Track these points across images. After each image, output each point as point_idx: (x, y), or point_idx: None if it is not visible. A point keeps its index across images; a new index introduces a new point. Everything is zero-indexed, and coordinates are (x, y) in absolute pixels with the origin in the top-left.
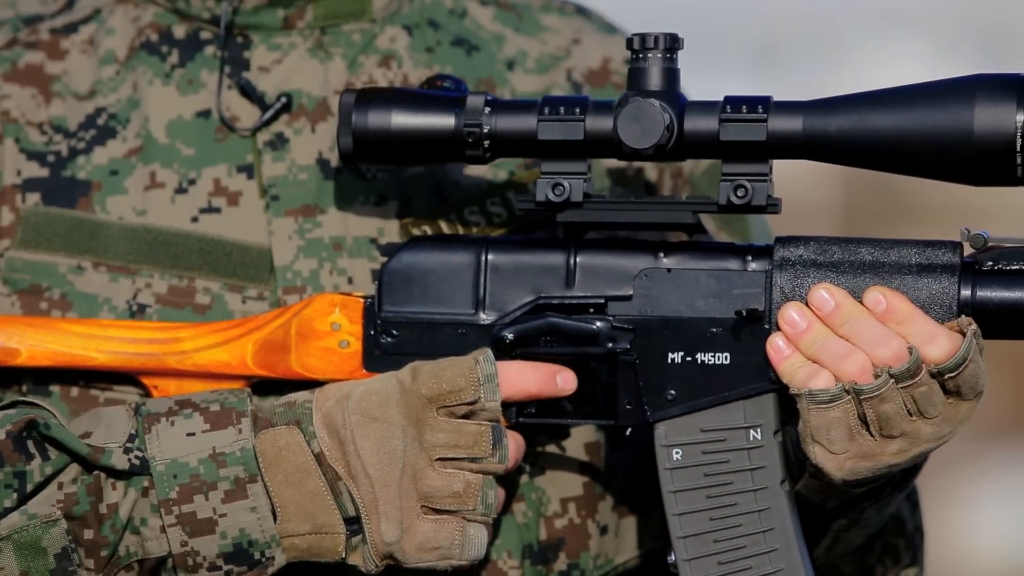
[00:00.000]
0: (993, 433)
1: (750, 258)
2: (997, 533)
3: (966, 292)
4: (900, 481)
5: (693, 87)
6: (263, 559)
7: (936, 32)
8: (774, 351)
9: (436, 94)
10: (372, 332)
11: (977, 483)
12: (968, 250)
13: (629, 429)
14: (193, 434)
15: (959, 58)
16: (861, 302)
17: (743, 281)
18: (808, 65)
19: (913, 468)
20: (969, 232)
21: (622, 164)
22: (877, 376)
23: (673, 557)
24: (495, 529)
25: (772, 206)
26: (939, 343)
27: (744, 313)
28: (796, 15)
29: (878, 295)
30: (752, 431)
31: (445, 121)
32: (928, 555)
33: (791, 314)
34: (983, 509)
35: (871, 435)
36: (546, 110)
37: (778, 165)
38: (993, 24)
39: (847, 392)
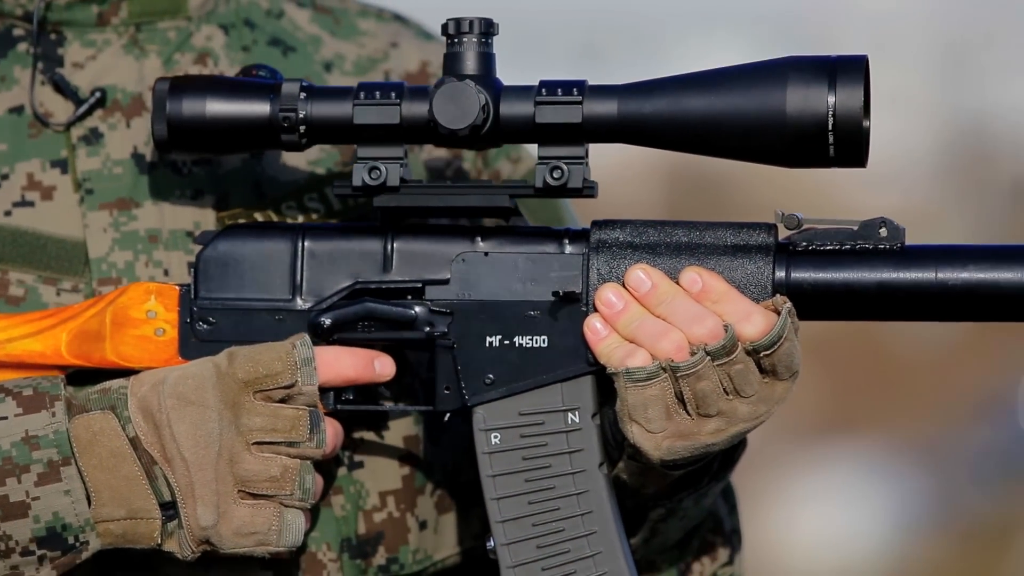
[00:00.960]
0: (810, 432)
1: (567, 241)
2: (814, 532)
3: (780, 273)
4: (717, 471)
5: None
6: (77, 543)
7: (756, 29)
8: (591, 332)
9: (251, 81)
10: (188, 320)
11: (795, 482)
12: (784, 232)
13: (448, 414)
14: (5, 418)
15: (777, 53)
16: (678, 283)
17: (560, 264)
18: (630, 62)
19: (730, 460)
20: (783, 214)
21: (440, 158)
22: (693, 354)
23: (492, 542)
24: (313, 520)
25: (588, 189)
26: (754, 321)
27: (561, 295)
28: (617, 12)
29: (694, 275)
30: (570, 414)
31: (260, 108)
32: (747, 555)
33: (608, 295)
34: (801, 508)
35: (688, 414)
36: (361, 95)
37: (603, 164)
38: (812, 22)
39: (664, 370)
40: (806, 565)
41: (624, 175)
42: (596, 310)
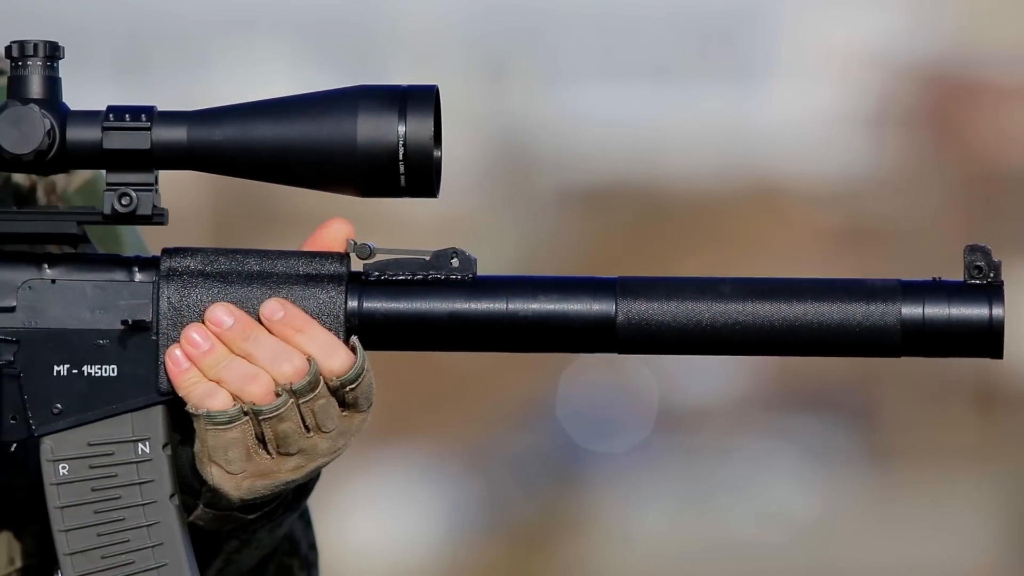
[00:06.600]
0: (361, 438)
1: (136, 269)
2: (366, 538)
3: (353, 303)
4: (292, 501)
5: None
6: None
7: (298, 39)
8: (173, 364)
9: None
10: None
11: (346, 488)
12: (357, 262)
13: (15, 445)
14: None
15: (322, 63)
16: (258, 315)
17: (130, 292)
18: (178, 71)
19: (305, 488)
20: (355, 243)
21: None
22: (278, 395)
23: (60, 575)
24: None
25: (158, 216)
26: (339, 355)
27: (131, 324)
28: (160, 20)
29: (276, 304)
30: (140, 444)
31: None
32: (325, 566)
33: (193, 335)
34: (352, 514)
35: (268, 453)
36: None
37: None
38: (355, 33)
39: (245, 413)
40: (357, 572)
41: (169, 181)
42: (174, 341)
